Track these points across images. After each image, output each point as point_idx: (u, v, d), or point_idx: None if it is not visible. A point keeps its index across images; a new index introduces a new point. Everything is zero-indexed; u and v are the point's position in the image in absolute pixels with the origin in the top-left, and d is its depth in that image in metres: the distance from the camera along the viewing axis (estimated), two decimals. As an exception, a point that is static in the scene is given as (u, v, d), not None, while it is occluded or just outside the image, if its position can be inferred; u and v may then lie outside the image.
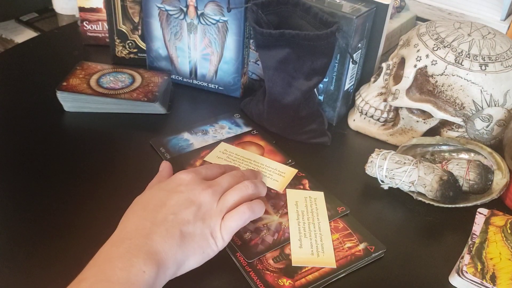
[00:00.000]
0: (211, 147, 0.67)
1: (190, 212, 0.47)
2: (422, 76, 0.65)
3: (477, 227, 0.55)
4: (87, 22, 0.88)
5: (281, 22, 0.67)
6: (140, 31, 0.82)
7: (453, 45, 0.63)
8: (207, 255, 0.47)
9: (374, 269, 0.52)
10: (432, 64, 0.63)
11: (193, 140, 0.68)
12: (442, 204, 0.59)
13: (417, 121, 0.68)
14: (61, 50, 0.90)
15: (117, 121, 0.71)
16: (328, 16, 0.64)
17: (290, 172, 0.63)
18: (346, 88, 0.72)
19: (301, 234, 0.54)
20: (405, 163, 0.59)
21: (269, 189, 0.60)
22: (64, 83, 0.72)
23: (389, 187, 0.61)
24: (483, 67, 0.61)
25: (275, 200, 0.59)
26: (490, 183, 0.60)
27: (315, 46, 0.62)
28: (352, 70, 0.71)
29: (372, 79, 0.72)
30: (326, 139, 0.70)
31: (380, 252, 0.53)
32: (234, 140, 0.69)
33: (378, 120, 0.71)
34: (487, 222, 0.56)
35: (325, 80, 0.71)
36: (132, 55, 0.84)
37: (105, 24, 0.87)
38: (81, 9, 0.87)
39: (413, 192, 0.60)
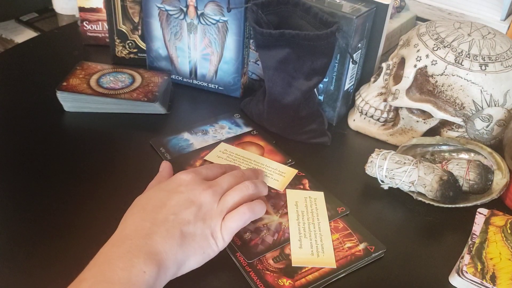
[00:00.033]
0: (211, 147, 0.67)
1: (191, 212, 0.47)
2: (422, 76, 0.65)
3: (477, 227, 0.55)
4: (87, 22, 0.88)
5: (281, 22, 0.67)
6: (140, 31, 0.82)
7: (453, 45, 0.63)
8: (208, 255, 0.47)
9: (374, 269, 0.52)
10: (432, 64, 0.63)
11: (193, 140, 0.68)
12: (442, 204, 0.59)
13: (417, 121, 0.68)
14: (61, 50, 0.90)
15: (117, 121, 0.71)
16: (328, 16, 0.64)
17: (290, 172, 0.63)
18: (346, 88, 0.72)
19: (301, 234, 0.54)
20: (405, 163, 0.59)
21: (269, 189, 0.60)
22: (64, 83, 0.72)
23: (389, 187, 0.61)
24: (483, 67, 0.61)
25: (275, 200, 0.59)
26: (490, 183, 0.60)
27: (315, 46, 0.62)
28: (352, 70, 0.71)
29: (372, 79, 0.72)
30: (326, 139, 0.70)
31: (380, 252, 0.53)
32: (234, 140, 0.69)
33: (378, 120, 0.71)
34: (487, 222, 0.56)
35: (325, 80, 0.71)
36: (132, 55, 0.84)
37: (105, 24, 0.87)
38: (81, 9, 0.87)
39: (413, 192, 0.60)
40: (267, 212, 0.56)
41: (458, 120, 0.65)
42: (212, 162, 0.64)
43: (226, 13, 0.71)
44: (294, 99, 0.66)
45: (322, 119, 0.71)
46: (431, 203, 0.59)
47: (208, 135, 0.70)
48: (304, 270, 0.50)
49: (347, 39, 0.66)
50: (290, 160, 0.66)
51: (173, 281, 0.45)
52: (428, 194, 0.59)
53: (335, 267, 0.51)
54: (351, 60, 0.67)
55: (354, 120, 0.74)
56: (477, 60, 0.62)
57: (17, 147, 0.65)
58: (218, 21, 0.72)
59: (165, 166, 0.58)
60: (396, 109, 0.70)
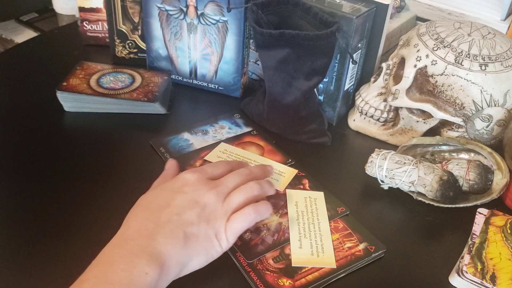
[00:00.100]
0: (211, 147, 0.67)
1: (194, 213, 0.46)
2: (422, 76, 0.65)
3: (477, 227, 0.55)
4: (87, 22, 0.88)
5: (281, 22, 0.67)
6: (140, 31, 0.82)
7: (453, 45, 0.63)
8: (211, 256, 0.47)
9: (374, 269, 0.52)
10: (432, 64, 0.63)
11: (193, 140, 0.68)
12: (442, 204, 0.59)
13: (417, 121, 0.68)
14: (61, 50, 0.90)
15: (117, 121, 0.71)
16: (328, 16, 0.64)
17: (290, 172, 0.63)
18: (346, 88, 0.72)
19: (301, 234, 0.54)
20: (405, 163, 0.59)
21: (269, 189, 0.60)
22: (64, 83, 0.72)
23: (389, 187, 0.61)
24: (483, 67, 0.61)
25: (275, 200, 0.59)
26: (490, 183, 0.60)
27: (315, 46, 0.62)
28: (352, 70, 0.71)
29: (372, 79, 0.72)
30: (326, 139, 0.70)
31: (380, 252, 0.53)
32: (234, 140, 0.69)
33: (378, 120, 0.71)
34: (487, 222, 0.56)
35: (325, 80, 0.71)
36: (132, 55, 0.84)
37: (105, 24, 0.87)
38: (81, 9, 0.87)
39: (413, 192, 0.60)
40: (267, 212, 0.56)
41: (458, 120, 0.65)
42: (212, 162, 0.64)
43: (226, 13, 0.71)
44: (294, 99, 0.66)
45: (322, 119, 0.71)
46: (431, 203, 0.59)
47: (208, 135, 0.70)
48: (304, 270, 0.50)
49: (347, 39, 0.66)
50: (290, 160, 0.66)
51: (173, 281, 0.45)
52: (428, 194, 0.59)
53: (335, 267, 0.51)
54: (351, 60, 0.67)
55: (354, 120, 0.74)
56: (477, 60, 0.62)
57: (17, 147, 0.65)
58: (218, 21, 0.72)
59: (171, 164, 0.57)
60: (396, 109, 0.70)
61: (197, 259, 0.46)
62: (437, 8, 0.88)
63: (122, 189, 0.59)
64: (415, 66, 0.64)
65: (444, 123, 0.67)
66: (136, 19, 0.81)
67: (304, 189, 0.61)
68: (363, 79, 0.77)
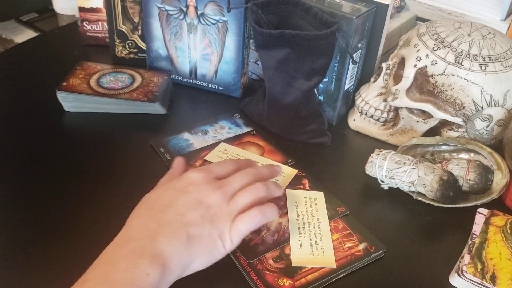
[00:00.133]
0: (211, 147, 0.67)
1: (198, 213, 0.46)
2: (422, 76, 0.65)
3: (477, 227, 0.55)
4: (87, 22, 0.88)
5: (281, 22, 0.67)
6: (140, 31, 0.82)
7: (453, 45, 0.63)
8: (214, 257, 0.46)
9: (374, 269, 0.52)
10: (432, 64, 0.63)
11: (193, 140, 0.68)
12: (442, 204, 0.59)
13: (417, 121, 0.68)
14: (61, 50, 0.90)
15: (117, 121, 0.71)
16: (328, 16, 0.64)
17: (290, 172, 0.63)
18: (346, 88, 0.72)
19: (301, 234, 0.54)
20: (405, 163, 0.59)
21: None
22: (64, 83, 0.72)
23: (389, 187, 0.61)
24: (483, 67, 0.61)
25: (275, 200, 0.58)
26: (490, 183, 0.60)
27: (315, 46, 0.62)
28: (352, 70, 0.71)
29: (372, 79, 0.72)
30: (326, 139, 0.70)
31: (380, 252, 0.53)
32: (234, 140, 0.69)
33: (378, 120, 0.71)
34: (487, 222, 0.56)
35: (325, 80, 0.71)
36: (132, 55, 0.84)
37: (105, 24, 0.87)
38: (81, 9, 0.87)
39: (413, 192, 0.60)
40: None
41: (458, 120, 0.65)
42: (212, 162, 0.64)
43: (226, 13, 0.71)
44: (294, 99, 0.66)
45: (322, 119, 0.71)
46: (431, 203, 0.59)
47: (208, 135, 0.70)
48: (304, 270, 0.50)
49: (347, 39, 0.66)
50: (290, 160, 0.66)
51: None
52: (428, 194, 0.59)
53: (335, 267, 0.51)
54: (351, 60, 0.67)
55: (354, 120, 0.74)
56: (477, 60, 0.62)
57: (17, 147, 0.65)
58: (218, 21, 0.72)
59: (178, 162, 0.56)
60: (396, 109, 0.70)
61: (200, 260, 0.45)
62: (437, 8, 0.88)
63: (122, 189, 0.59)
64: (415, 66, 0.64)
65: (444, 123, 0.67)
66: (136, 19, 0.81)
67: (304, 189, 0.61)
68: (363, 79, 0.77)
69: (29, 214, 0.55)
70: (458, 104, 0.64)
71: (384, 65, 0.71)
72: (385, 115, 0.71)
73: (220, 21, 0.72)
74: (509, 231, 0.54)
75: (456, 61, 0.62)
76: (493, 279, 0.49)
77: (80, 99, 0.71)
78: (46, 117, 0.71)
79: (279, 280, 0.49)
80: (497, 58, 0.62)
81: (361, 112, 0.72)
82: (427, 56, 0.63)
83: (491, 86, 0.62)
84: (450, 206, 0.58)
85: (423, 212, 0.60)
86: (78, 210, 0.56)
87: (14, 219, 0.55)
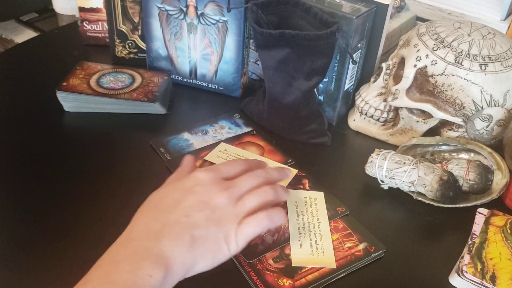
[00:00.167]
0: (211, 147, 0.67)
1: (203, 215, 0.45)
2: (422, 76, 0.65)
3: (477, 227, 0.55)
4: (87, 22, 0.88)
5: (281, 22, 0.67)
6: (140, 31, 0.82)
7: (453, 45, 0.63)
8: (218, 260, 0.45)
9: (374, 269, 0.52)
10: (432, 64, 0.63)
11: (193, 140, 0.68)
12: (442, 204, 0.59)
13: (417, 121, 0.68)
14: (61, 50, 0.90)
15: (117, 121, 0.71)
16: (328, 16, 0.64)
17: (290, 172, 0.63)
18: (346, 88, 0.72)
19: (301, 234, 0.54)
20: (405, 163, 0.59)
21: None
22: (64, 83, 0.72)
23: (389, 187, 0.61)
24: (483, 67, 0.61)
25: (275, 200, 0.59)
26: (490, 183, 0.60)
27: (315, 46, 0.62)
28: (352, 70, 0.71)
29: (372, 79, 0.72)
30: (326, 139, 0.70)
31: (380, 252, 0.53)
32: (234, 140, 0.69)
33: (378, 120, 0.71)
34: (487, 222, 0.56)
35: (325, 80, 0.71)
36: (132, 55, 0.84)
37: (105, 24, 0.87)
38: (81, 9, 0.87)
39: (413, 192, 0.60)
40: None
41: (458, 120, 0.65)
42: (212, 162, 0.64)
43: (226, 13, 0.71)
44: (294, 99, 0.66)
45: (322, 119, 0.71)
46: (431, 203, 0.59)
47: (208, 135, 0.70)
48: (304, 270, 0.50)
49: (347, 39, 0.66)
50: (290, 160, 0.66)
51: (173, 281, 0.45)
52: (428, 194, 0.59)
53: (335, 267, 0.51)
54: (351, 60, 0.67)
55: (354, 120, 0.74)
56: (477, 60, 0.62)
57: (17, 147, 0.65)
58: (218, 21, 0.72)
59: (187, 160, 0.54)
60: (396, 109, 0.70)
61: (204, 262, 0.44)
62: (437, 8, 0.88)
63: (122, 189, 0.59)
64: (415, 66, 0.64)
65: (444, 123, 0.67)
66: (136, 19, 0.81)
67: (304, 189, 0.61)
68: (363, 79, 0.77)
69: (29, 214, 0.55)
70: (458, 104, 0.64)
71: (384, 65, 0.71)
72: (385, 115, 0.71)
73: (220, 21, 0.72)
74: (509, 231, 0.54)
75: (456, 61, 0.62)
76: (493, 279, 0.49)
77: (80, 99, 0.71)
78: (46, 117, 0.71)
79: (279, 280, 0.49)
80: (497, 58, 0.62)
81: (361, 112, 0.72)
82: (427, 56, 0.63)
83: (491, 86, 0.62)
84: (450, 206, 0.58)
85: (423, 212, 0.60)
86: (78, 210, 0.56)
87: (14, 218, 0.55)
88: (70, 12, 1.02)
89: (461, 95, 0.63)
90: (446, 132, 0.68)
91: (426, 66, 0.64)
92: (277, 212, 0.48)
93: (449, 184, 0.58)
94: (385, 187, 0.61)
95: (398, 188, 0.60)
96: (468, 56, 0.62)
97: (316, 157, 0.68)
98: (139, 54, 0.84)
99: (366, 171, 0.61)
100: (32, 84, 0.78)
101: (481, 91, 0.62)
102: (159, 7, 0.74)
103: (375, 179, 0.61)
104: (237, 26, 0.72)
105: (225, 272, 0.50)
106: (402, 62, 0.67)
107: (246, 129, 0.71)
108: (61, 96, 0.70)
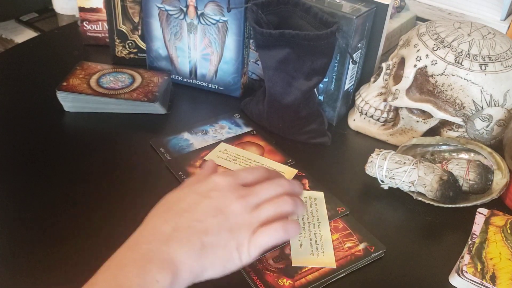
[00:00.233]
0: (211, 147, 0.67)
1: (217, 221, 0.43)
2: (422, 76, 0.65)
3: (477, 227, 0.55)
4: (87, 22, 0.88)
5: (281, 22, 0.67)
6: (140, 31, 0.82)
7: (453, 45, 0.63)
8: (228, 269, 0.43)
9: (374, 269, 0.52)
10: (432, 64, 0.63)
11: (193, 140, 0.68)
12: (442, 204, 0.59)
13: (417, 121, 0.68)
14: (61, 50, 0.90)
15: (117, 121, 0.71)
16: (328, 16, 0.64)
17: (290, 172, 0.63)
18: (346, 88, 0.72)
19: (301, 234, 0.54)
20: (405, 163, 0.59)
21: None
22: (64, 83, 0.72)
23: (389, 187, 0.61)
24: (483, 67, 0.61)
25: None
26: (490, 183, 0.60)
27: (315, 46, 0.62)
28: (352, 70, 0.71)
29: (372, 79, 0.72)
30: (326, 139, 0.70)
31: (380, 252, 0.53)
32: (234, 140, 0.69)
33: (378, 120, 0.71)
34: (487, 222, 0.56)
35: (325, 80, 0.71)
36: (132, 55, 0.84)
37: (105, 24, 0.87)
38: (81, 9, 0.87)
39: (413, 192, 0.60)
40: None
41: (458, 120, 0.65)
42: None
43: (226, 13, 0.71)
44: (294, 99, 0.66)
45: (322, 119, 0.71)
46: (431, 203, 0.59)
47: (208, 135, 0.70)
48: (304, 270, 0.50)
49: (347, 39, 0.66)
50: (290, 160, 0.66)
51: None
52: (428, 194, 0.59)
53: (335, 267, 0.51)
54: (351, 60, 0.67)
55: (354, 120, 0.74)
56: (477, 60, 0.62)
57: (17, 147, 0.65)
58: (218, 21, 0.72)
59: (209, 165, 0.52)
60: (396, 109, 0.70)
61: (213, 270, 0.43)
62: (437, 8, 0.88)
63: (122, 189, 0.59)
64: (415, 66, 0.64)
65: (444, 123, 0.67)
66: (136, 19, 0.81)
67: (304, 189, 0.61)
68: (363, 79, 0.77)
69: (28, 214, 0.55)
70: (458, 104, 0.64)
71: (384, 65, 0.71)
72: (385, 115, 0.71)
73: (220, 21, 0.72)
74: (509, 231, 0.54)
75: (456, 61, 0.62)
76: (493, 279, 0.49)
77: (80, 99, 0.71)
78: (46, 117, 0.71)
79: (279, 280, 0.49)
80: (497, 58, 0.62)
81: (361, 112, 0.72)
82: (427, 56, 0.63)
83: (491, 86, 0.62)
84: (450, 206, 0.58)
85: (423, 212, 0.60)
86: (77, 210, 0.56)
87: (14, 219, 0.55)
88: (70, 12, 1.02)
89: (461, 95, 0.63)
90: (446, 132, 0.68)
91: (426, 66, 0.64)
92: (293, 225, 0.46)
93: (449, 184, 0.58)
94: (385, 187, 0.61)
95: (398, 188, 0.60)
96: (468, 56, 0.62)
97: (316, 157, 0.68)
98: (139, 54, 0.84)
99: (366, 171, 0.61)
100: (32, 84, 0.78)
101: (481, 91, 0.62)
102: (159, 7, 0.74)
103: (375, 179, 0.61)
104: (237, 26, 0.72)
105: (225, 272, 0.50)
106: (402, 62, 0.67)
107: (246, 129, 0.71)
108: (61, 96, 0.70)
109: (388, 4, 0.69)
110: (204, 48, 0.76)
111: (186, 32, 0.75)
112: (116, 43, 0.83)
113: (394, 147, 0.68)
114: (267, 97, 0.68)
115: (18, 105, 0.73)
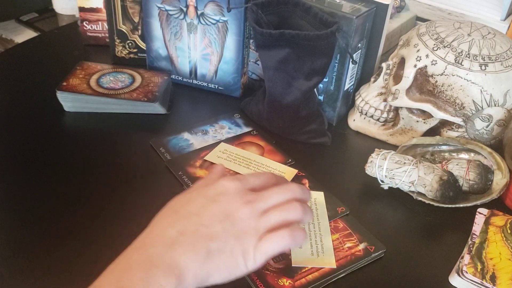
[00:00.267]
0: (211, 147, 0.67)
1: (223, 227, 0.43)
2: (422, 76, 0.65)
3: (477, 227, 0.55)
4: (87, 22, 0.88)
5: (281, 22, 0.67)
6: (140, 31, 0.82)
7: (453, 45, 0.63)
8: (234, 275, 0.43)
9: (374, 269, 0.52)
10: (432, 64, 0.63)
11: (193, 140, 0.68)
12: (442, 204, 0.59)
13: (417, 121, 0.68)
14: (61, 50, 0.90)
15: (117, 121, 0.71)
16: (328, 16, 0.64)
17: (290, 172, 0.63)
18: (346, 88, 0.72)
19: (301, 234, 0.54)
20: (405, 163, 0.59)
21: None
22: (64, 83, 0.72)
23: (389, 187, 0.61)
24: (483, 67, 0.61)
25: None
26: (490, 183, 0.60)
27: (315, 46, 0.62)
28: (352, 70, 0.71)
29: (372, 79, 0.72)
30: (326, 139, 0.70)
31: (380, 252, 0.53)
32: (234, 140, 0.69)
33: (378, 120, 0.71)
34: (487, 222, 0.56)
35: (325, 80, 0.71)
36: (132, 55, 0.84)
37: (105, 24, 0.87)
38: (81, 9, 0.87)
39: (413, 192, 0.60)
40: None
41: (458, 120, 0.65)
42: (212, 162, 0.64)
43: (226, 13, 0.71)
44: (294, 99, 0.66)
45: (322, 119, 0.71)
46: (431, 203, 0.59)
47: (208, 135, 0.70)
48: (304, 270, 0.50)
49: (347, 39, 0.66)
50: (290, 160, 0.66)
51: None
52: (428, 194, 0.59)
53: (335, 267, 0.51)
54: (351, 60, 0.67)
55: (354, 120, 0.74)
56: (477, 60, 0.62)
57: (17, 147, 0.65)
58: (218, 21, 0.72)
59: (218, 169, 0.51)
60: (396, 109, 0.70)
61: (218, 276, 0.42)
62: (437, 8, 0.88)
63: (122, 189, 0.59)
64: (415, 66, 0.64)
65: (444, 123, 0.67)
66: (136, 19, 0.81)
67: (304, 189, 0.61)
68: (363, 79, 0.77)
69: (28, 214, 0.55)
70: (458, 104, 0.64)
71: (384, 65, 0.71)
72: (385, 115, 0.71)
73: (220, 21, 0.72)
74: (509, 231, 0.54)
75: (456, 61, 0.62)
76: (493, 279, 0.49)
77: (80, 99, 0.71)
78: (46, 117, 0.71)
79: (279, 280, 0.49)
80: (497, 58, 0.62)
81: (361, 112, 0.72)
82: (427, 56, 0.63)
83: (491, 86, 0.62)
84: (450, 206, 0.58)
85: (423, 212, 0.60)
86: (77, 210, 0.56)
87: (14, 219, 0.55)
88: (70, 12, 1.02)
89: (461, 95, 0.63)
90: (446, 132, 0.68)
91: (426, 66, 0.64)
92: (300, 233, 0.45)
93: (449, 184, 0.58)
94: (385, 187, 0.61)
95: (398, 188, 0.60)
96: (468, 56, 0.62)
97: (316, 157, 0.68)
98: (139, 54, 0.84)
99: (366, 171, 0.61)
100: (32, 84, 0.78)
101: (481, 91, 0.62)
102: (159, 7, 0.74)
103: (375, 179, 0.61)
104: (237, 26, 0.72)
105: (225, 272, 0.50)
106: (402, 62, 0.67)
107: (246, 129, 0.71)
108: (61, 96, 0.70)
109: (388, 4, 0.69)
110: (204, 48, 0.76)
111: (186, 32, 0.75)
112: (116, 43, 0.83)
113: (394, 147, 0.68)
114: (267, 97, 0.68)
115: (18, 105, 0.73)
